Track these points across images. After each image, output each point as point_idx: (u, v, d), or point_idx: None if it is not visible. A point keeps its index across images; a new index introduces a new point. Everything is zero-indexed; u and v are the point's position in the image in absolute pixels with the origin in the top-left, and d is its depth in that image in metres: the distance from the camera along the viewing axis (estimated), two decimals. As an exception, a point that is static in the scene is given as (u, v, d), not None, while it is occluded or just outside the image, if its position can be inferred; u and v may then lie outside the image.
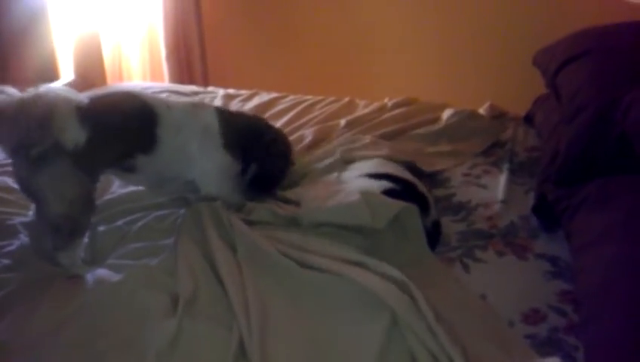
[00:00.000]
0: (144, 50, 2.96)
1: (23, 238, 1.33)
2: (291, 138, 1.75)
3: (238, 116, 1.56)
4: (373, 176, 1.44)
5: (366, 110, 2.10)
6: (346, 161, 1.63)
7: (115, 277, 1.21)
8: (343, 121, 1.97)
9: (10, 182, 1.54)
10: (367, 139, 1.78)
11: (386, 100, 2.17)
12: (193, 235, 1.31)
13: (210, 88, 2.44)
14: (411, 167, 1.57)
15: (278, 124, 1.90)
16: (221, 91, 2.33)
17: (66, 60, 2.52)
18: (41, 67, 2.32)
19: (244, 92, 2.33)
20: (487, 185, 1.62)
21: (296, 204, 1.42)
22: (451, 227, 1.43)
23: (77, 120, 1.20)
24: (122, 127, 1.31)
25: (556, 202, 1.37)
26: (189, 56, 3.05)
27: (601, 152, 1.35)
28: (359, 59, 2.99)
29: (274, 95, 2.28)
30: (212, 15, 3.09)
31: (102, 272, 1.24)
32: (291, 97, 2.26)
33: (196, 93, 2.32)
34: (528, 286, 1.22)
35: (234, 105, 2.15)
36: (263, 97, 2.27)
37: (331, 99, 2.22)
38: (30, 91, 1.20)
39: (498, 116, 2.04)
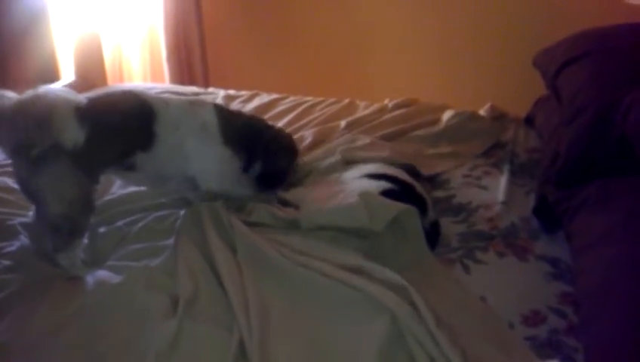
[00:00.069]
0: (145, 51, 2.96)
1: (24, 239, 1.33)
2: (292, 139, 1.74)
3: (238, 115, 1.56)
4: (371, 177, 1.44)
5: (366, 111, 2.10)
6: (347, 161, 1.63)
7: (115, 278, 1.21)
8: (343, 123, 1.97)
9: (10, 182, 1.54)
10: (367, 139, 1.79)
11: (386, 101, 2.17)
12: (193, 236, 1.31)
13: (211, 89, 2.45)
14: (410, 170, 1.57)
15: (278, 125, 1.90)
16: (222, 92, 2.34)
17: (66, 61, 2.52)
18: (42, 68, 2.32)
19: (245, 93, 2.33)
20: (487, 187, 1.62)
21: (295, 206, 1.42)
22: (452, 228, 1.43)
23: (76, 120, 1.20)
24: (121, 125, 1.31)
25: (557, 203, 1.37)
26: (189, 57, 3.05)
27: (601, 154, 1.36)
28: (359, 59, 2.99)
29: (274, 96, 2.29)
30: (213, 16, 3.10)
31: (102, 273, 1.24)
32: (292, 98, 2.26)
33: (197, 94, 2.31)
34: (529, 288, 1.22)
35: (234, 106, 2.15)
36: (264, 98, 2.27)
37: (332, 100, 2.22)
38: (29, 92, 1.20)
39: (498, 117, 2.04)
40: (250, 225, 1.34)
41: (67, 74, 2.52)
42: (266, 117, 1.96)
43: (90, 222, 1.31)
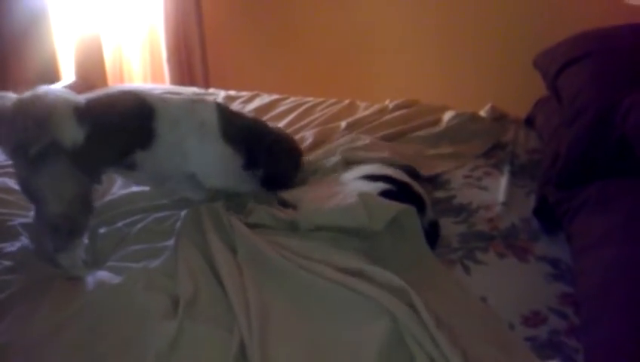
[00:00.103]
0: (145, 52, 2.96)
1: (24, 240, 1.33)
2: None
3: (239, 115, 1.56)
4: (370, 178, 1.44)
5: (367, 112, 2.11)
6: (348, 161, 1.63)
7: (115, 279, 1.21)
8: (343, 123, 1.97)
9: (11, 183, 1.54)
10: (367, 139, 1.79)
11: (386, 102, 2.17)
12: (193, 237, 1.31)
13: (211, 90, 2.45)
14: (409, 171, 1.57)
15: (279, 125, 1.90)
16: (222, 93, 2.34)
17: (67, 62, 2.52)
18: (42, 69, 2.33)
19: (245, 93, 2.33)
20: (488, 187, 1.62)
21: (294, 206, 1.42)
22: (452, 229, 1.43)
23: (75, 119, 1.20)
24: (120, 124, 1.31)
25: (557, 204, 1.37)
26: (189, 57, 3.06)
27: (601, 155, 1.36)
28: (359, 59, 2.99)
29: (275, 97, 2.29)
30: (213, 17, 3.10)
31: (102, 274, 1.24)
32: (292, 99, 2.26)
33: (197, 95, 2.31)
34: (529, 289, 1.22)
35: (235, 107, 2.15)
36: (264, 99, 2.27)
37: (332, 100, 2.22)
38: (28, 93, 1.20)
39: (499, 118, 2.04)
40: (250, 226, 1.34)
41: (67, 75, 2.53)
42: (266, 117, 1.96)
43: (91, 222, 1.31)
